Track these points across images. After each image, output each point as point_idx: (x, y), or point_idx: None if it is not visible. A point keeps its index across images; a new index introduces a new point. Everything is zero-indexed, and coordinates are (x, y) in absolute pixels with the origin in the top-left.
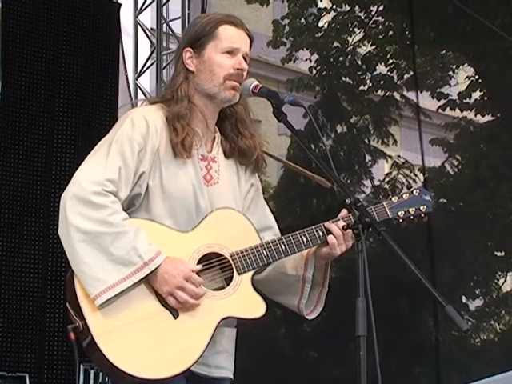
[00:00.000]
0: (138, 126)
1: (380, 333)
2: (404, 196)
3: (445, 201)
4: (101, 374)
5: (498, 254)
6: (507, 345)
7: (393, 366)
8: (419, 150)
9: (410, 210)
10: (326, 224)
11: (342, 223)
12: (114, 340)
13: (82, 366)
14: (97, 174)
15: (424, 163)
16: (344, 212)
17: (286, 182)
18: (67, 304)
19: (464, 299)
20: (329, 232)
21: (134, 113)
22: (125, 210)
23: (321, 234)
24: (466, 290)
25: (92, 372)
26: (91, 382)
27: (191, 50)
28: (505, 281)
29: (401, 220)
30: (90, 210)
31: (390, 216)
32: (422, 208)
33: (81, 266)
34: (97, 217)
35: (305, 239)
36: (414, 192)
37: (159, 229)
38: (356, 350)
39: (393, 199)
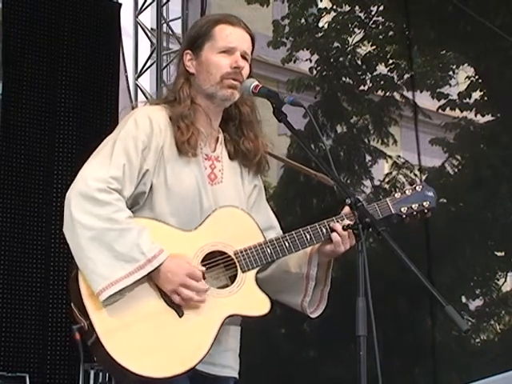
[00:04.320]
0: (142, 125)
1: (379, 333)
2: (407, 192)
3: (445, 201)
4: (101, 374)
5: (498, 253)
6: (507, 345)
7: (392, 366)
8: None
9: (413, 206)
10: (331, 225)
11: (346, 222)
12: (119, 338)
13: (82, 365)
14: (101, 172)
15: (420, 163)
16: (347, 209)
17: (285, 181)
18: (72, 304)
19: (464, 299)
20: (332, 230)
21: (137, 112)
22: (129, 209)
23: (324, 231)
24: (466, 290)
25: (92, 372)
26: (91, 382)
27: (191, 52)
28: (505, 281)
29: (404, 216)
30: (94, 206)
31: (393, 212)
32: (425, 204)
33: (85, 262)
34: (101, 213)
35: (308, 236)
36: (417, 188)
37: (163, 228)
38: (356, 350)
39: (396, 195)
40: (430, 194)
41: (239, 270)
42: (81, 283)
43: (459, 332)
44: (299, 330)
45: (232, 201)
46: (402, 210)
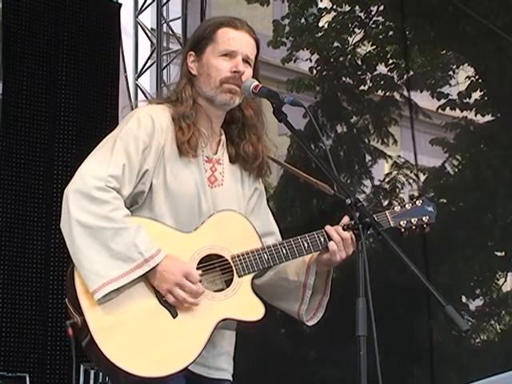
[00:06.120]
0: (144, 124)
1: (378, 333)
2: (407, 206)
3: (445, 201)
4: (101, 374)
5: (498, 254)
6: (507, 345)
7: (392, 366)
8: (419, 149)
9: (413, 220)
10: (327, 228)
11: (340, 228)
12: (112, 337)
13: (82, 365)
14: (100, 170)
15: (417, 162)
16: (346, 219)
17: (285, 181)
18: (66, 300)
19: (464, 299)
20: (329, 238)
21: (140, 111)
22: (128, 208)
23: (322, 239)
24: (466, 290)
25: (92, 372)
26: (91, 382)
27: (194, 53)
28: (505, 281)
29: (403, 229)
30: (91, 204)
31: (392, 225)
32: (424, 218)
33: (81, 260)
34: (98, 212)
35: (306, 244)
36: (417, 202)
37: (161, 228)
38: (356, 350)
39: (395, 208)
40: (430, 208)
41: (235, 275)
42: (76, 279)
43: (459, 332)
44: (299, 330)
45: (231, 204)
46: (401, 223)
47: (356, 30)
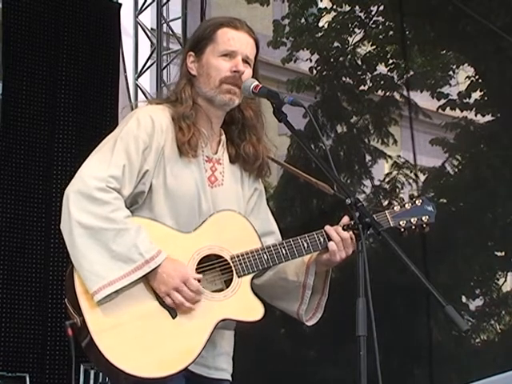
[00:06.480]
0: (144, 125)
1: (379, 333)
2: (406, 205)
3: (445, 201)
4: (101, 374)
5: (498, 253)
6: (507, 345)
7: (392, 366)
8: (418, 149)
9: (412, 220)
10: (326, 229)
11: (340, 228)
12: (112, 338)
13: (82, 365)
14: (101, 170)
15: (416, 162)
16: (346, 219)
17: (285, 181)
18: (66, 300)
19: (464, 299)
20: (329, 238)
21: (140, 111)
22: (128, 208)
23: (322, 239)
24: (466, 290)
25: (92, 372)
26: (91, 382)
27: (193, 54)
28: (505, 281)
29: (402, 229)
30: (92, 205)
31: (391, 225)
32: (424, 218)
33: (81, 261)
34: (99, 212)
35: (305, 244)
36: (417, 202)
37: (161, 228)
38: (356, 350)
39: (395, 208)
40: (430, 208)
41: (235, 275)
42: (75, 279)
43: (459, 332)
44: (299, 330)
45: (231, 204)
46: (401, 223)
47: (356, 30)
